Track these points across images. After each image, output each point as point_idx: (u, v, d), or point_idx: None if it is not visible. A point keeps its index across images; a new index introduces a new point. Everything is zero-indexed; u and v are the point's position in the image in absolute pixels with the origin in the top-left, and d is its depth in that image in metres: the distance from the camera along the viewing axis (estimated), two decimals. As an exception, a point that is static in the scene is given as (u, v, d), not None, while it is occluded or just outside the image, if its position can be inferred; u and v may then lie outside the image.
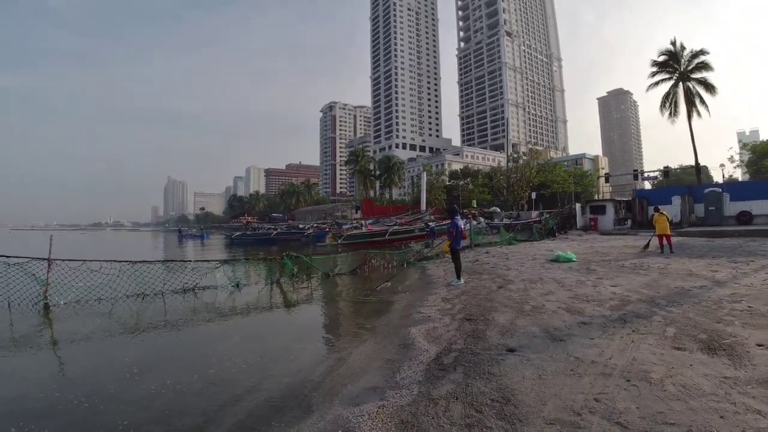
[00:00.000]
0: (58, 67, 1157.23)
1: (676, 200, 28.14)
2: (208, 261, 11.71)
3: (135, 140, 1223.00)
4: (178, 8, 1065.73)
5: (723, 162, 52.26)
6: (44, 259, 9.40)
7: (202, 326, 7.63)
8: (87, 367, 5.45)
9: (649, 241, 15.89)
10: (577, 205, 32.75)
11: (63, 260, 9.55)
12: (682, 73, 39.71)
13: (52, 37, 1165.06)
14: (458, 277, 10.00)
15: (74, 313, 8.71)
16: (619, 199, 33.25)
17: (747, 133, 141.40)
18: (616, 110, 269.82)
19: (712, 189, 28.90)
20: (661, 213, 15.28)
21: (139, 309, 8.97)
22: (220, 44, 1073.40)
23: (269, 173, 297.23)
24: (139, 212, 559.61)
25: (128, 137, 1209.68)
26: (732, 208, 26.93)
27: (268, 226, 60.08)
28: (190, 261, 11.14)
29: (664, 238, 14.94)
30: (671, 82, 40.68)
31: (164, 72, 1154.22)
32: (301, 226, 53.77)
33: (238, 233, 49.39)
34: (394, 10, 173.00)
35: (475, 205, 60.26)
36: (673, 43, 40.06)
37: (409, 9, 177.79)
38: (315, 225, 50.86)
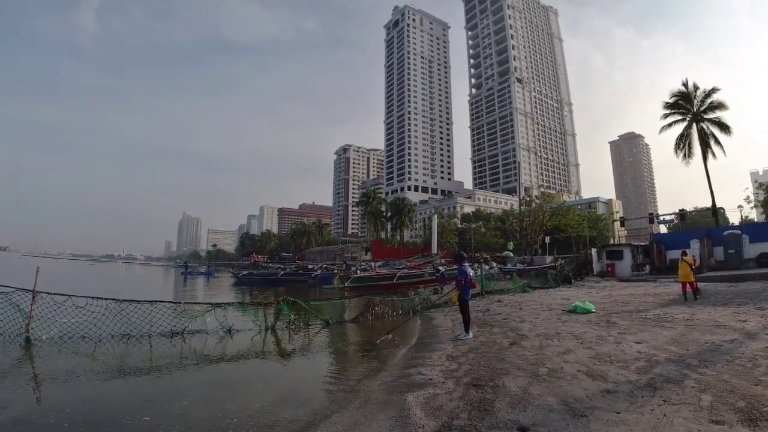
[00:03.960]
0: (80, 102, 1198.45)
1: (695, 244, 27.03)
2: (199, 303, 11.05)
3: (153, 176, 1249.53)
4: (200, 52, 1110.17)
5: (740, 203, 51.14)
6: (29, 290, 9.19)
7: (179, 376, 7.01)
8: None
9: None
10: (593, 250, 31.67)
11: (48, 293, 9.34)
12: (695, 113, 38.97)
13: (76, 73, 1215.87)
14: (467, 331, 9.17)
15: (55, 350, 8.43)
16: (636, 243, 32.13)
17: (760, 173, 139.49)
18: (629, 154, 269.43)
19: (731, 231, 27.84)
20: (682, 260, 14.41)
21: (123, 352, 8.52)
22: (238, 88, 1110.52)
23: (282, 212, 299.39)
24: (152, 246, 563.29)
25: (146, 173, 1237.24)
26: (752, 250, 25.78)
27: (277, 266, 59.58)
28: (179, 302, 10.52)
29: (687, 285, 14.11)
30: (684, 123, 39.85)
31: (183, 112, 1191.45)
32: (310, 266, 53.12)
33: (245, 272, 48.78)
34: (408, 58, 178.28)
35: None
36: (685, 84, 39.48)
37: (422, 57, 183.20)
38: (324, 266, 50.15)
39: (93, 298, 9.54)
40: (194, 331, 10.16)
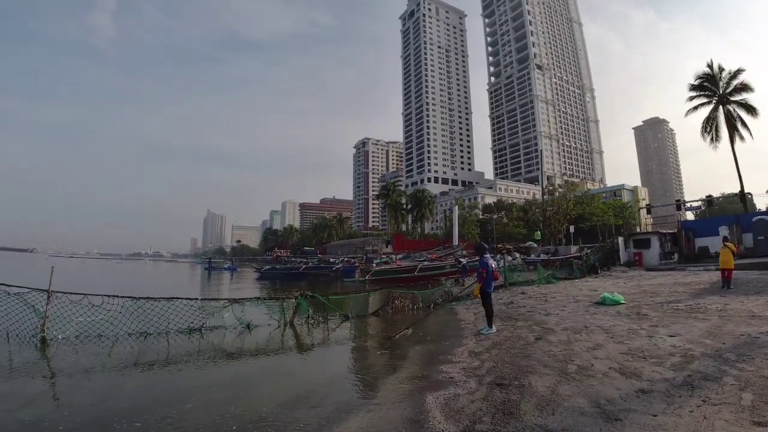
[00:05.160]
0: (101, 103, 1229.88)
1: (723, 230, 26.07)
2: (216, 299, 10.99)
3: (177, 175, 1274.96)
4: (215, 50, 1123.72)
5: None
6: (44, 290, 9.18)
7: (189, 376, 6.86)
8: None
9: None
10: (620, 239, 30.82)
11: (63, 293, 9.30)
12: (721, 95, 37.61)
13: (95, 74, 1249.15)
14: (489, 325, 8.84)
15: (71, 350, 8.38)
16: (664, 231, 31.13)
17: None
18: (653, 139, 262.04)
19: (760, 217, 26.80)
20: (724, 245, 14.17)
21: (139, 351, 8.42)
22: (256, 85, 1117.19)
23: (304, 207, 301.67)
24: (179, 243, 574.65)
25: (170, 171, 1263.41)
26: None
27: (300, 260, 60.03)
28: (196, 299, 10.43)
29: (724, 272, 13.84)
30: (711, 106, 38.55)
31: (203, 110, 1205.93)
32: (331, 260, 53.35)
33: (267, 267, 49.30)
34: (425, 48, 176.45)
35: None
36: (710, 66, 38.11)
37: (439, 47, 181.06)
38: (345, 259, 50.25)
39: (108, 296, 9.45)
40: (212, 327, 10.09)
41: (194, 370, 7.23)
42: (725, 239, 15.02)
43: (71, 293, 9.35)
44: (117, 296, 9.56)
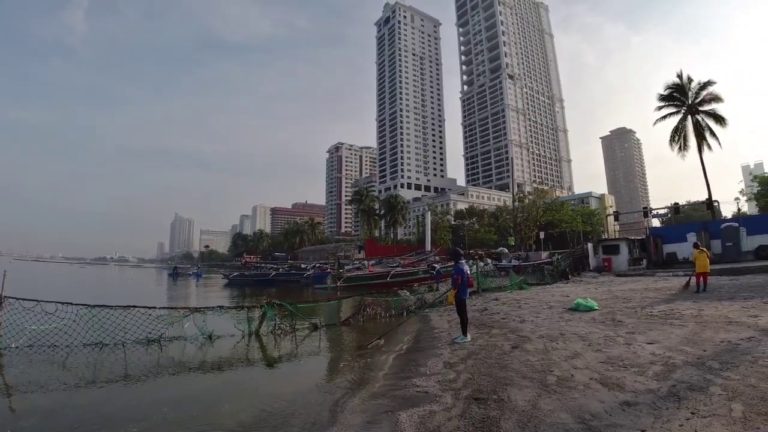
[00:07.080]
0: (68, 103, 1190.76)
1: (692, 237, 26.73)
2: (176, 308, 10.32)
3: (144, 177, 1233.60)
4: (191, 52, 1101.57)
5: (729, 197, 51.29)
6: None
7: (140, 393, 6.35)
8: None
9: (689, 279, 15.11)
10: (589, 245, 31.22)
11: (15, 299, 8.84)
12: (690, 105, 38.73)
13: (64, 73, 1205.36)
14: (464, 333, 8.50)
15: (25, 360, 7.95)
16: (633, 237, 31.74)
17: (752, 166, 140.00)
18: (620, 149, 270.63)
19: (728, 224, 27.55)
20: (702, 250, 14.37)
21: (96, 362, 7.92)
22: (230, 87, 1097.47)
23: (275, 212, 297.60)
24: (145, 248, 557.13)
25: (138, 174, 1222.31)
26: (750, 242, 25.59)
27: (270, 266, 58.83)
28: (154, 307, 9.77)
29: (701, 277, 14.04)
30: (679, 116, 39.62)
31: (174, 112, 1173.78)
32: (303, 266, 52.48)
33: (235, 273, 48.04)
34: (399, 55, 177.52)
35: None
36: (680, 76, 39.23)
37: (413, 54, 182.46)
38: (317, 265, 49.47)
39: (63, 303, 8.95)
40: (172, 338, 9.48)
41: (150, 385, 6.72)
42: (695, 245, 15.18)
43: (24, 299, 8.86)
44: (71, 303, 9.06)
